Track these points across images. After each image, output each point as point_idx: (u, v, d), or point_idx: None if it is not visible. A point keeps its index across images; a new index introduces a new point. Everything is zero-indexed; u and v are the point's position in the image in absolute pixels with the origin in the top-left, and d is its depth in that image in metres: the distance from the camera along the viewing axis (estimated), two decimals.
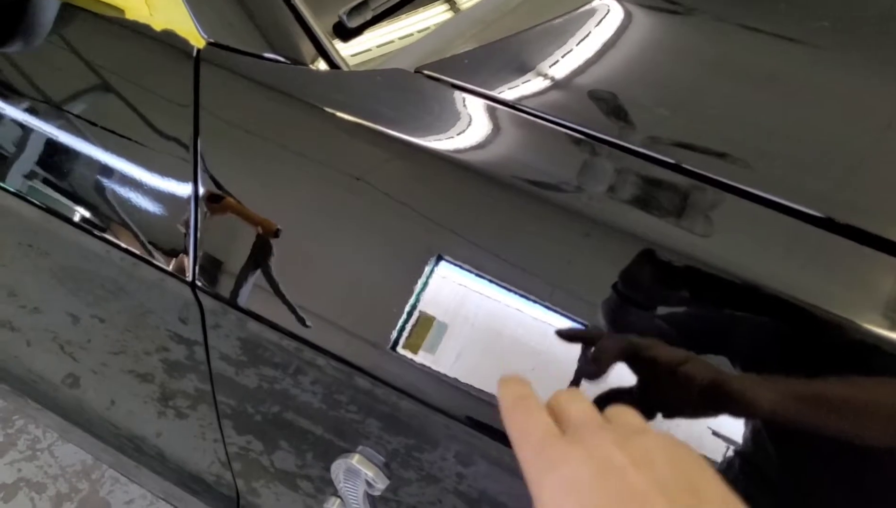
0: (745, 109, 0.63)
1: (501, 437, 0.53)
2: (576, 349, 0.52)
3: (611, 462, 0.37)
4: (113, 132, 0.70)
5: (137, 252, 0.70)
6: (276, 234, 0.62)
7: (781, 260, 0.50)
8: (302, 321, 0.63)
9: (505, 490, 0.62)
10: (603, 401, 0.51)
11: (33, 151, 0.74)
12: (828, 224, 0.52)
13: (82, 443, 1.21)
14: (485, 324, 0.54)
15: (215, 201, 0.65)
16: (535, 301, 0.53)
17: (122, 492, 1.57)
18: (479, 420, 0.56)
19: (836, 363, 0.47)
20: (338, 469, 0.72)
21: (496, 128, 0.60)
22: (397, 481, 0.70)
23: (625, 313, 0.52)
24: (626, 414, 0.43)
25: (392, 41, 0.70)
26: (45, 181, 0.75)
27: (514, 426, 0.42)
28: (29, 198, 0.76)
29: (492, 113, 0.61)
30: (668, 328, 0.51)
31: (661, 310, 0.51)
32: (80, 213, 0.73)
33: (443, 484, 0.67)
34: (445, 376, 0.56)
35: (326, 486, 0.79)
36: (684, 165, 0.55)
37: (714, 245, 0.51)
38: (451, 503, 0.68)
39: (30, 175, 0.76)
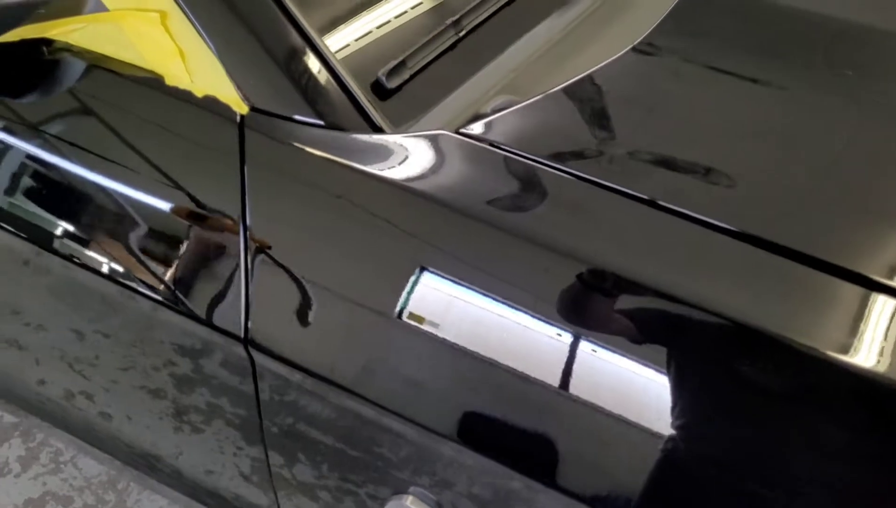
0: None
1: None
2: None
3: None
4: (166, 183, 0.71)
5: (196, 312, 0.71)
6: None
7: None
8: (358, 377, 0.65)
9: None
10: None
11: (84, 213, 0.76)
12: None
13: (101, 459, 1.23)
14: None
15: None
16: None
17: (148, 501, 1.60)
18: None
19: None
20: None
21: (542, 187, 0.62)
22: None
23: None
24: None
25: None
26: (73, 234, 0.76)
27: None
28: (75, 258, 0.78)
29: (534, 172, 0.63)
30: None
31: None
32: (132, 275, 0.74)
33: None
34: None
35: None
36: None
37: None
38: None
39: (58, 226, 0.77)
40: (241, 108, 0.67)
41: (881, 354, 0.53)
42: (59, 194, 0.77)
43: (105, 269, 0.76)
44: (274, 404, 0.76)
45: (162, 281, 0.73)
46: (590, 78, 0.71)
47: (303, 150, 0.66)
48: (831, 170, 0.66)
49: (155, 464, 1.03)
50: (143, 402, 0.93)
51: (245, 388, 0.77)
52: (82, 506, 1.58)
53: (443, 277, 0.61)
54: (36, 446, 1.67)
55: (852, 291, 0.56)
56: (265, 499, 0.94)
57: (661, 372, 0.55)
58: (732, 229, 0.59)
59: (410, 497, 0.73)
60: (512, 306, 0.59)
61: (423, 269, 0.62)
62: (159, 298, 0.74)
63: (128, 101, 0.72)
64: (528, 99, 0.69)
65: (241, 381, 0.76)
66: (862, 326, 0.54)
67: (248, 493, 0.96)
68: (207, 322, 0.72)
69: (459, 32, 0.73)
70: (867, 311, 0.55)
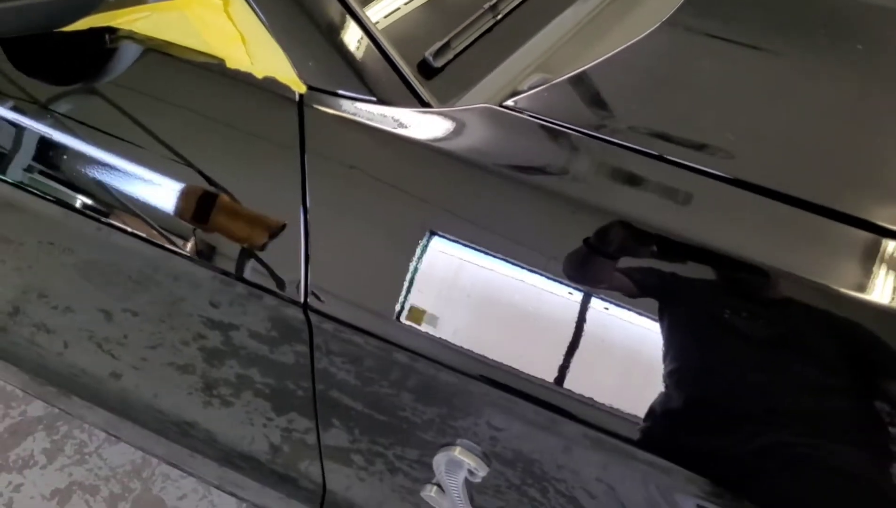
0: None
1: None
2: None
3: None
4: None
5: (253, 281, 0.77)
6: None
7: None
8: (414, 337, 0.71)
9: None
10: None
11: (150, 195, 0.81)
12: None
13: (133, 437, 1.27)
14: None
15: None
16: None
17: (174, 488, 1.64)
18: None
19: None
20: (440, 461, 0.81)
21: (583, 152, 0.69)
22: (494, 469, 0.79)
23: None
24: None
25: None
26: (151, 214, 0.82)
27: None
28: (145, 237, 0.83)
29: (569, 140, 0.69)
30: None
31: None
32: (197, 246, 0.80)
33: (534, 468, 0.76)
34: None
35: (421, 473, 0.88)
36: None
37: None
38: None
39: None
40: (299, 87, 0.73)
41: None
42: (122, 169, 0.82)
43: (166, 240, 0.81)
44: (327, 367, 0.81)
45: (217, 248, 0.78)
46: (618, 56, 0.78)
47: (359, 122, 0.71)
48: (844, 128, 0.74)
49: (188, 431, 1.08)
50: (182, 371, 0.98)
51: (294, 354, 0.82)
52: (109, 495, 1.62)
53: (489, 233, 0.67)
54: (60, 438, 1.71)
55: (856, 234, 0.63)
56: (305, 462, 0.99)
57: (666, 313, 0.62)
58: (757, 184, 0.65)
59: (458, 448, 0.79)
60: (544, 258, 0.65)
61: (471, 228, 0.68)
62: (214, 264, 0.79)
63: (191, 83, 0.78)
64: (563, 76, 0.76)
65: (294, 346, 0.82)
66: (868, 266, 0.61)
67: (287, 456, 1.01)
68: (264, 288, 0.77)
69: (496, 16, 0.79)
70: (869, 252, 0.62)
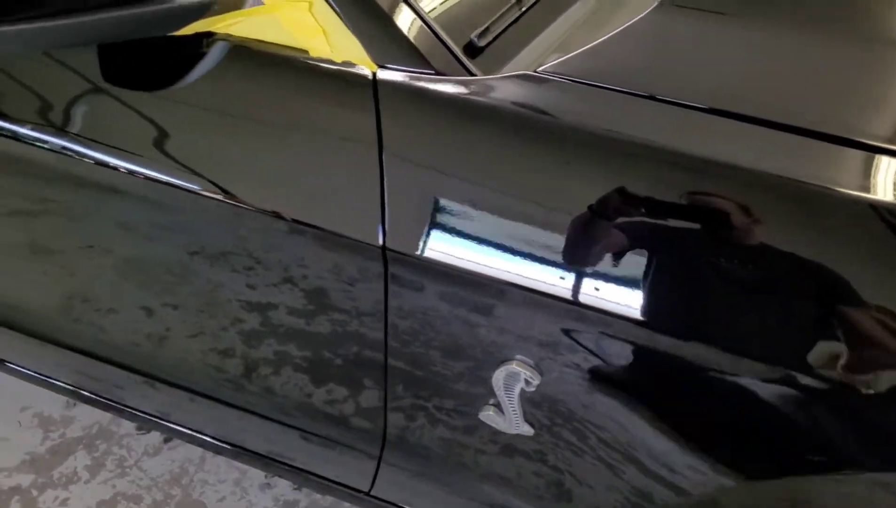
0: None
1: None
2: None
3: None
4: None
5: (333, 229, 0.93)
6: None
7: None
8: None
9: None
10: None
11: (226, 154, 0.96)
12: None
13: (183, 418, 1.39)
14: None
15: None
16: None
17: (212, 492, 1.74)
18: None
19: None
20: (499, 376, 0.96)
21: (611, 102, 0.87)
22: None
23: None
24: None
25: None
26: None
27: None
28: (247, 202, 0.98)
29: (599, 96, 0.88)
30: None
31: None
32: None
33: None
34: None
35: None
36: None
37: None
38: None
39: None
40: (371, 66, 0.90)
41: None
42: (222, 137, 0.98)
43: (243, 192, 0.96)
44: (402, 307, 0.97)
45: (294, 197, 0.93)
46: (625, 30, 0.98)
47: (421, 89, 0.89)
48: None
49: (245, 386, 1.20)
50: (251, 318, 1.12)
51: (371, 294, 0.97)
52: (152, 502, 1.72)
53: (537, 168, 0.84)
54: (100, 455, 1.81)
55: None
56: (366, 411, 1.13)
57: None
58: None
59: (515, 362, 0.94)
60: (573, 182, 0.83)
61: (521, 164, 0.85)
62: (290, 215, 0.94)
63: (281, 73, 0.95)
64: (584, 47, 0.95)
65: (369, 288, 0.97)
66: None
67: (349, 405, 1.14)
68: (343, 235, 0.93)
69: (521, 7, 0.99)
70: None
